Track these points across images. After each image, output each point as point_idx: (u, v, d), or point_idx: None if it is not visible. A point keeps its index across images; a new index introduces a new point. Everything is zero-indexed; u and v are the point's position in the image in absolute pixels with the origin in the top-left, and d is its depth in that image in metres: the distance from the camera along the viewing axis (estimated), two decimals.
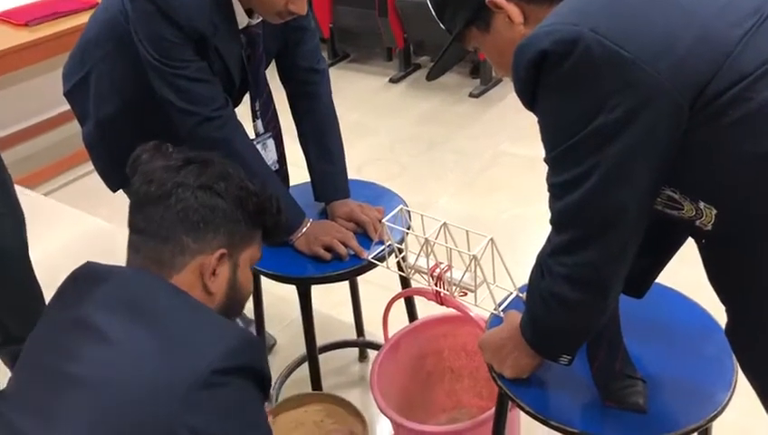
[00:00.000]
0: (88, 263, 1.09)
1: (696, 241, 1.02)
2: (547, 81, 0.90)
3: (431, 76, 1.22)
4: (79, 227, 2.80)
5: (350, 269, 1.58)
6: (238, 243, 1.12)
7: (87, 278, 1.07)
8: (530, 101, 0.95)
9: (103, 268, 1.07)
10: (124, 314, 0.99)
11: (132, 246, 1.10)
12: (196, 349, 0.95)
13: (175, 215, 1.07)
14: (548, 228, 1.02)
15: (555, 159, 0.95)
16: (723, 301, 1.01)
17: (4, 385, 1.06)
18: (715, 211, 0.92)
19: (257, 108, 1.68)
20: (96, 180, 1.78)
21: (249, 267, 1.16)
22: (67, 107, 1.78)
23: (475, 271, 1.38)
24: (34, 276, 1.80)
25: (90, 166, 1.78)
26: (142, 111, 1.59)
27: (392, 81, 4.27)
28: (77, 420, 0.93)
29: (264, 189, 1.17)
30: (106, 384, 0.94)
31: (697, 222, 0.95)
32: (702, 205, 0.93)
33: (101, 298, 1.02)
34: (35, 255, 2.74)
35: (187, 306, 1.03)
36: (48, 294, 1.11)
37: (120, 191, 1.78)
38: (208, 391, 0.92)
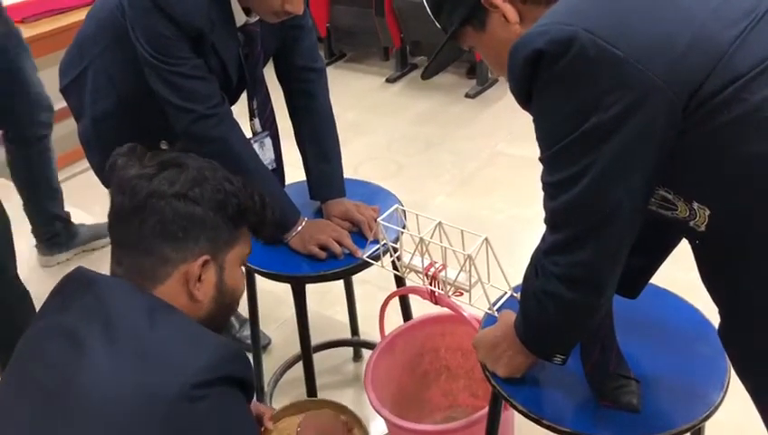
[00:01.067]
0: (78, 268, 1.08)
1: (690, 242, 1.03)
2: (542, 80, 0.90)
3: (426, 75, 1.22)
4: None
5: (344, 268, 1.58)
6: (222, 246, 1.09)
7: (75, 285, 1.05)
8: (525, 100, 0.95)
9: (89, 276, 1.05)
10: (101, 327, 0.97)
11: (114, 258, 1.08)
12: (176, 364, 0.93)
13: (151, 227, 1.04)
14: (543, 229, 1.02)
15: (550, 159, 0.95)
16: (716, 301, 1.02)
17: None
18: (708, 212, 0.92)
19: (255, 106, 1.68)
20: (92, 177, 1.78)
21: (238, 266, 1.14)
22: (63, 104, 1.78)
23: (470, 270, 1.38)
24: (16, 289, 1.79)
25: (85, 163, 1.78)
26: (138, 107, 1.59)
27: (389, 80, 4.27)
28: None
29: (244, 188, 1.13)
30: (83, 404, 0.92)
31: (691, 223, 0.96)
32: (695, 205, 0.93)
33: (84, 308, 1.00)
34: (30, 251, 2.74)
35: (165, 321, 1.00)
36: (40, 294, 1.10)
37: None
38: (191, 405, 0.91)
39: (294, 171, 1.82)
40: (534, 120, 0.96)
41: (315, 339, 1.85)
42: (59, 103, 1.91)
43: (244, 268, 1.19)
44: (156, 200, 1.04)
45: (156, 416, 0.89)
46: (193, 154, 1.14)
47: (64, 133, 3.43)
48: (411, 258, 1.50)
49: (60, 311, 1.03)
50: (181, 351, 0.96)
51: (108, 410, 0.91)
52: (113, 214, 1.08)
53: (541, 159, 0.97)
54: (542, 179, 0.98)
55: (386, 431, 1.75)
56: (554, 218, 0.98)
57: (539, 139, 0.96)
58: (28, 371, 1.01)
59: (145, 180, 1.05)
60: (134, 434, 0.90)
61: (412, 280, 1.55)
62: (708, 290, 1.02)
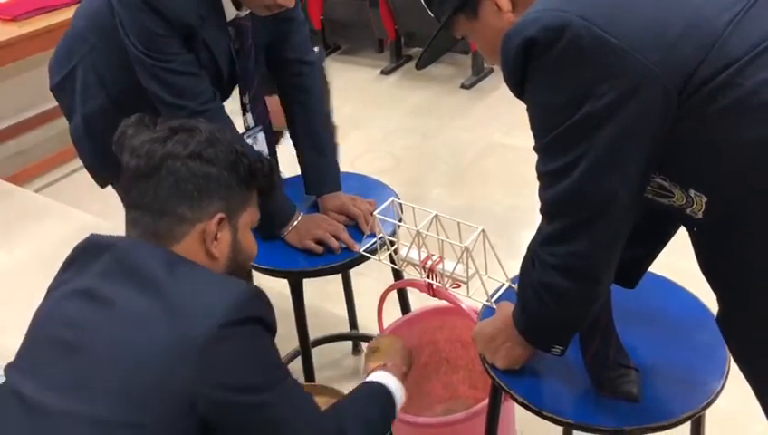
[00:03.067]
0: (91, 235, 1.11)
1: (688, 230, 1.02)
2: (535, 68, 0.90)
3: (420, 64, 1.21)
4: (70, 223, 2.78)
5: (342, 262, 1.57)
6: (235, 206, 1.13)
7: (89, 250, 1.08)
8: (518, 89, 0.94)
9: (105, 239, 1.09)
10: (127, 281, 1.00)
11: (130, 222, 1.10)
12: (203, 306, 0.97)
13: (168, 187, 1.07)
14: (540, 219, 1.01)
15: (544, 148, 0.94)
16: (714, 289, 1.01)
17: None
18: (705, 199, 0.92)
19: (246, 101, 1.67)
20: (87, 176, 1.77)
21: (249, 230, 1.18)
22: (54, 103, 1.77)
23: (467, 262, 1.38)
24: None
25: (80, 162, 1.77)
26: (129, 104, 1.56)
27: (384, 72, 4.25)
28: (93, 389, 0.95)
29: (253, 151, 1.16)
30: (116, 352, 0.96)
31: (688, 210, 0.95)
32: (692, 193, 0.93)
33: (102, 268, 1.03)
34: (26, 252, 2.73)
35: (187, 270, 1.04)
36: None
37: (111, 186, 1.78)
38: (220, 344, 0.95)
39: (289, 166, 1.81)
40: (528, 110, 0.95)
41: (314, 333, 1.85)
42: (52, 102, 1.90)
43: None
44: (172, 161, 1.07)
45: (189, 356, 0.94)
46: (201, 119, 1.18)
47: (56, 132, 3.42)
48: (408, 251, 1.49)
49: (74, 278, 1.06)
50: (208, 294, 0.99)
51: (142, 355, 0.95)
52: (128, 177, 1.10)
53: (535, 149, 0.96)
54: (536, 169, 0.97)
55: None
56: (550, 208, 0.98)
57: (533, 128, 0.95)
58: (48, 335, 1.03)
59: (158, 143, 1.09)
60: (169, 375, 0.93)
61: (410, 273, 1.54)
62: (707, 278, 1.02)
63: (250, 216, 1.17)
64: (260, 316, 1.01)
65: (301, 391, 1.08)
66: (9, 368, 1.05)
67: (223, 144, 1.12)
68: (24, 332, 1.08)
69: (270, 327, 1.04)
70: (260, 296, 1.04)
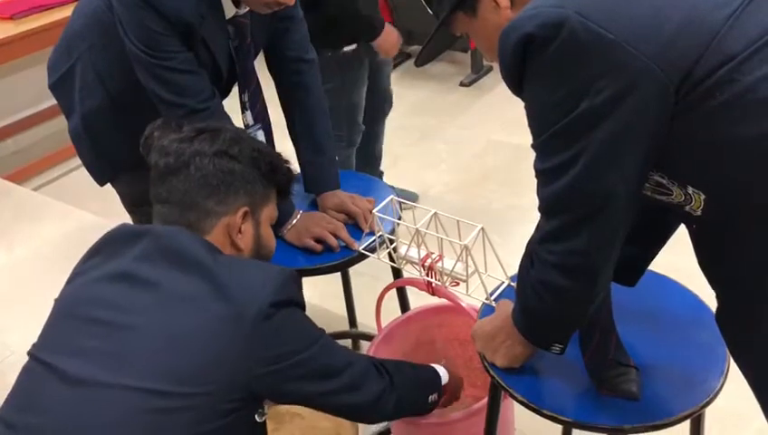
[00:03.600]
0: (123, 224, 1.17)
1: (687, 227, 1.02)
2: (533, 65, 0.89)
3: (420, 62, 1.21)
4: (69, 221, 2.79)
5: (341, 260, 1.57)
6: (258, 202, 1.21)
7: (121, 237, 1.12)
8: (516, 86, 0.94)
9: (137, 227, 1.15)
10: (171, 264, 1.05)
11: (159, 216, 1.17)
12: (250, 286, 1.04)
13: (196, 182, 1.14)
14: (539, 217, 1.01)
15: (542, 145, 0.94)
16: (713, 286, 1.01)
17: None
18: (703, 196, 0.91)
19: (246, 99, 1.66)
20: (86, 175, 1.76)
21: (269, 225, 1.26)
22: (53, 101, 1.76)
23: (467, 261, 1.38)
24: None
25: (79, 160, 1.76)
26: (128, 103, 1.57)
27: None
28: (137, 362, 0.98)
29: (273, 151, 1.25)
30: (162, 329, 1.00)
31: (687, 207, 0.95)
32: (691, 190, 0.92)
33: (140, 252, 1.07)
34: (25, 250, 2.73)
35: (225, 255, 1.12)
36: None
37: (110, 185, 1.77)
38: (270, 321, 1.02)
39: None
40: (526, 106, 0.95)
41: None
42: (50, 100, 1.89)
43: None
44: (200, 158, 1.15)
45: (241, 332, 1.00)
46: (225, 121, 1.28)
47: (55, 131, 3.41)
48: (407, 249, 1.49)
49: (105, 263, 1.09)
50: (253, 276, 1.06)
51: (193, 332, 1.00)
52: (157, 175, 1.17)
53: (533, 146, 0.96)
54: (534, 166, 0.97)
55: (385, 425, 1.74)
56: (548, 206, 0.97)
57: (530, 125, 0.95)
58: (84, 315, 1.05)
59: (186, 142, 1.17)
60: (223, 350, 1.00)
61: (409, 271, 1.54)
62: (705, 275, 1.02)
63: (270, 211, 1.25)
64: (297, 297, 1.10)
65: (336, 345, 1.17)
66: (37, 348, 1.07)
67: (246, 142, 1.21)
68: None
69: (304, 307, 1.13)
70: (297, 279, 1.13)
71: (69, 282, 1.13)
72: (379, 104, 2.70)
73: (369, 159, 2.81)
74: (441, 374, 1.38)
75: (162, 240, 1.08)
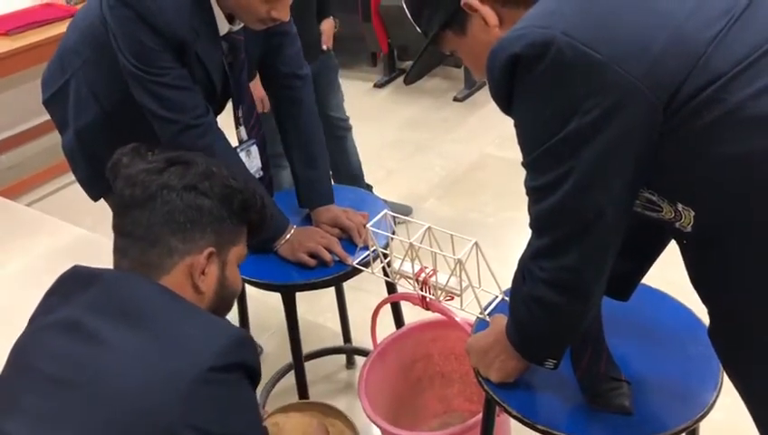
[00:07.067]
0: (75, 266, 1.09)
1: (678, 242, 1.02)
2: (521, 85, 0.90)
3: (409, 80, 1.22)
4: (63, 237, 2.77)
5: (335, 275, 1.57)
6: (226, 241, 1.13)
7: (74, 281, 1.06)
8: (505, 105, 0.95)
9: (90, 271, 1.07)
10: (115, 316, 0.99)
11: (119, 250, 1.10)
12: (192, 347, 0.96)
13: (161, 217, 1.07)
14: None
15: (532, 163, 0.95)
16: (705, 302, 1.01)
17: None
18: (693, 213, 0.92)
19: (240, 115, 1.67)
20: (79, 190, 1.76)
21: (237, 265, 1.17)
22: (47, 117, 1.76)
23: (461, 275, 1.38)
24: None
25: (72, 175, 1.76)
26: (122, 119, 1.57)
27: (377, 85, 4.27)
28: (73, 422, 0.92)
29: (247, 186, 1.18)
30: (101, 386, 0.94)
31: (677, 224, 0.95)
32: (680, 207, 0.93)
33: (90, 301, 1.01)
34: (18, 266, 2.71)
35: (178, 306, 1.03)
36: (32, 306, 1.10)
37: (103, 200, 1.77)
38: (208, 387, 0.93)
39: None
40: (515, 125, 0.96)
41: (307, 347, 1.84)
42: (44, 116, 1.89)
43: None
44: (167, 192, 1.08)
45: (175, 395, 0.91)
46: (197, 152, 1.19)
47: (49, 146, 3.41)
48: (401, 264, 1.49)
49: (58, 308, 1.04)
50: (196, 335, 0.98)
51: (128, 392, 0.92)
52: (122, 206, 1.10)
53: (523, 164, 0.96)
54: (525, 184, 0.97)
55: None
56: (539, 223, 0.98)
57: (520, 143, 0.96)
58: (30, 367, 1.00)
59: (155, 174, 1.10)
60: (153, 411, 0.91)
61: (403, 286, 1.54)
62: (697, 290, 1.02)
63: (239, 251, 1.17)
64: (247, 363, 1.00)
65: None
66: None
67: (218, 178, 1.13)
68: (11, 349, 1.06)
69: (255, 375, 1.03)
70: (249, 342, 1.03)
71: (28, 325, 1.08)
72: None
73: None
74: None
75: (110, 289, 1.02)
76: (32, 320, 1.08)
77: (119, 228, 1.10)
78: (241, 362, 0.99)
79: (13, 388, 1.01)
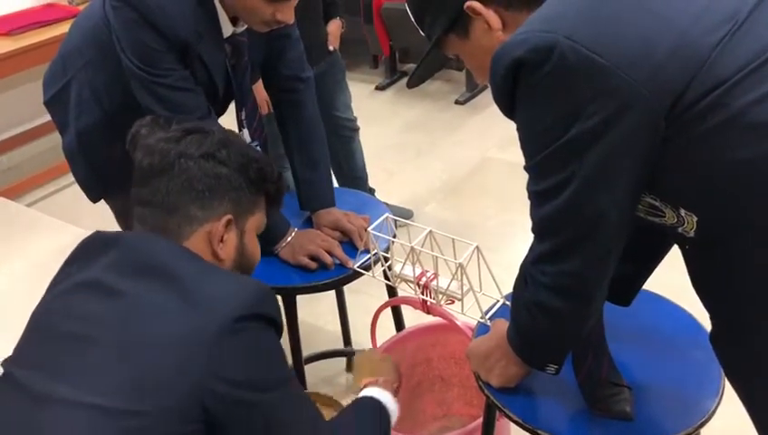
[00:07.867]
0: (97, 231, 1.10)
1: (680, 247, 1.02)
2: (523, 89, 0.90)
3: (412, 83, 1.21)
4: (63, 237, 2.77)
5: (335, 278, 1.57)
6: (243, 210, 1.14)
7: (94, 245, 1.08)
8: (508, 109, 0.95)
9: (112, 234, 1.09)
10: (138, 273, 1.00)
11: (139, 219, 1.11)
12: (217, 300, 0.97)
13: (180, 185, 1.09)
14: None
15: (534, 167, 0.94)
16: (707, 307, 1.01)
17: None
18: (695, 218, 0.92)
19: (243, 117, 1.67)
20: (79, 191, 1.76)
21: (255, 235, 1.19)
22: (48, 118, 1.76)
23: (462, 279, 1.37)
24: None
25: (71, 177, 1.76)
26: (123, 121, 1.55)
27: (378, 88, 4.27)
28: (104, 378, 0.93)
29: (264, 156, 1.19)
30: (128, 341, 0.95)
31: (680, 229, 0.95)
32: (683, 212, 0.93)
33: (112, 261, 1.03)
34: (18, 266, 2.71)
35: (199, 263, 1.05)
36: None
37: (103, 201, 1.77)
38: (234, 337, 0.95)
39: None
40: (518, 129, 0.95)
41: (307, 350, 1.84)
42: (44, 116, 1.89)
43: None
44: (185, 160, 1.09)
45: (201, 347, 0.93)
46: (214, 123, 1.18)
47: (49, 147, 3.41)
48: (402, 267, 1.49)
49: (78, 272, 1.05)
50: (222, 287, 0.99)
51: (155, 345, 0.94)
52: (140, 175, 1.11)
53: (526, 168, 0.96)
54: (527, 189, 0.97)
55: None
56: (541, 228, 0.98)
57: (523, 147, 0.95)
58: (53, 328, 1.02)
59: (173, 142, 1.11)
60: (182, 366, 0.93)
61: (404, 289, 1.54)
62: (699, 296, 1.02)
63: (257, 220, 1.18)
64: (271, 315, 1.01)
65: (303, 397, 1.08)
66: (9, 363, 1.03)
67: (235, 146, 1.14)
68: (13, 344, 1.07)
69: (279, 328, 1.04)
70: (271, 296, 1.04)
71: (47, 292, 1.10)
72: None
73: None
74: (387, 408, 1.26)
75: (132, 249, 1.04)
76: (51, 286, 1.09)
77: (138, 198, 1.12)
78: (264, 313, 1.00)
79: (36, 347, 1.02)
